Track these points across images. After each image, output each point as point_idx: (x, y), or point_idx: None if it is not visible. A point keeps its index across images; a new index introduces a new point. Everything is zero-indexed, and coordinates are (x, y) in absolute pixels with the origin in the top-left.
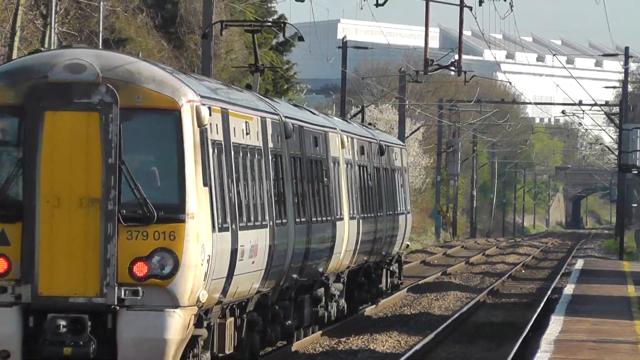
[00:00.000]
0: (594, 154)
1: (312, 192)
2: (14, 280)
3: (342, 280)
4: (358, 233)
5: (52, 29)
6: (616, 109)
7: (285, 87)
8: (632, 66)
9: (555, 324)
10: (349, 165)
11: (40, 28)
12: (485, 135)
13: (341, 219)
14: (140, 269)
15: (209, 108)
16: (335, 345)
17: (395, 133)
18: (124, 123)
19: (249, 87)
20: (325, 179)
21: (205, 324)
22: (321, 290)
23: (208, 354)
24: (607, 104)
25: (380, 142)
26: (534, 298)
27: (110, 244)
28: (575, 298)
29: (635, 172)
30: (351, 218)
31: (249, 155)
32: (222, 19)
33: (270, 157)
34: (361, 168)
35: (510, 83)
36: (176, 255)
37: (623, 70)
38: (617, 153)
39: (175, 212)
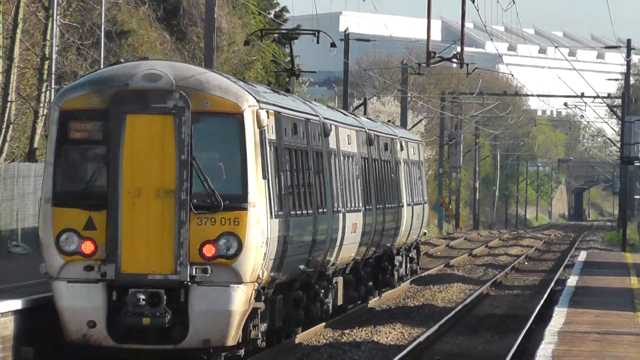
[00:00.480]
0: (596, 146)
1: (346, 184)
2: (100, 260)
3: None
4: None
5: (55, 21)
6: (618, 101)
7: (288, 79)
8: (635, 58)
9: (559, 316)
10: (377, 161)
11: (43, 20)
12: (487, 127)
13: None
14: (209, 250)
15: (267, 112)
16: (339, 337)
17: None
18: (194, 125)
19: (288, 91)
20: (356, 171)
21: (262, 298)
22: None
23: (265, 325)
24: (609, 96)
25: (401, 138)
26: (537, 290)
27: (183, 229)
28: (579, 290)
29: (638, 164)
30: (411, 204)
31: (296, 152)
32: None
33: (312, 153)
34: (386, 163)
35: (512, 75)
36: (240, 238)
37: (625, 62)
38: (619, 145)
39: (238, 201)
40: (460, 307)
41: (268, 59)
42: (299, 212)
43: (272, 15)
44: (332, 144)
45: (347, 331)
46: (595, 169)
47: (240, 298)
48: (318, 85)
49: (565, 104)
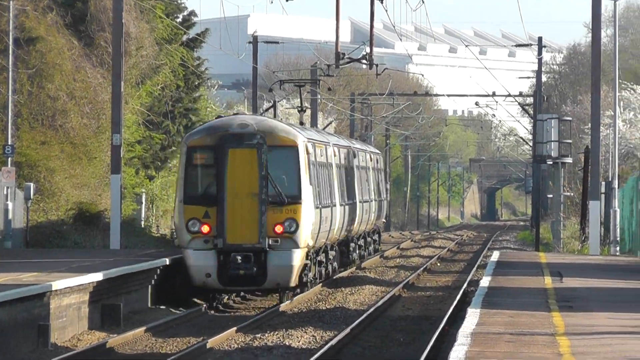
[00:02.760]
0: (508, 145)
1: (348, 184)
2: (213, 236)
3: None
4: (369, 211)
5: None
6: (530, 100)
7: (197, 83)
8: (546, 56)
9: (472, 317)
10: (360, 169)
11: None
12: (398, 128)
13: (366, 201)
14: (279, 229)
15: (312, 144)
16: (250, 342)
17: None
18: (269, 154)
19: (301, 124)
20: (356, 177)
21: (309, 258)
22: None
23: (310, 274)
24: (521, 94)
25: (358, 149)
26: (450, 291)
27: (263, 216)
28: (492, 290)
29: (550, 162)
30: (366, 201)
31: (323, 167)
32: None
33: (335, 168)
34: (357, 169)
35: (422, 75)
36: (297, 221)
37: (537, 60)
38: (531, 144)
39: (296, 199)
40: (372, 309)
41: (176, 63)
42: (326, 205)
43: (180, 19)
44: (336, 160)
45: (259, 335)
46: (507, 168)
47: (298, 257)
48: (227, 88)
49: (477, 103)
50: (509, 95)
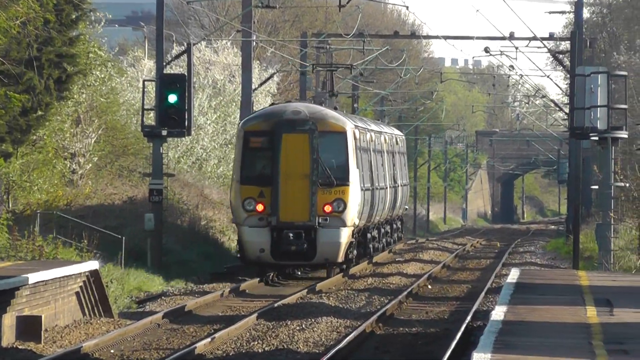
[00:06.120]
0: (532, 111)
1: (386, 166)
2: (267, 214)
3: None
4: (394, 197)
5: None
6: (566, 45)
7: (74, 16)
8: None
9: None
10: (388, 153)
11: None
12: (370, 85)
13: (398, 186)
14: (328, 208)
15: (358, 130)
16: None
17: (238, 82)
18: (320, 138)
19: (335, 109)
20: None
21: (355, 235)
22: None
23: (355, 251)
24: (552, 37)
25: (394, 135)
26: (447, 327)
27: (314, 196)
28: (509, 326)
29: (596, 138)
30: (402, 185)
31: (368, 152)
32: None
33: (377, 152)
34: (387, 154)
35: (407, 9)
36: (345, 201)
37: None
38: (567, 111)
39: (344, 180)
40: (331, 352)
41: None
42: (369, 187)
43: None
44: (372, 145)
45: None
46: (531, 145)
47: (345, 235)
48: (119, 24)
49: (487, 50)
50: (534, 37)
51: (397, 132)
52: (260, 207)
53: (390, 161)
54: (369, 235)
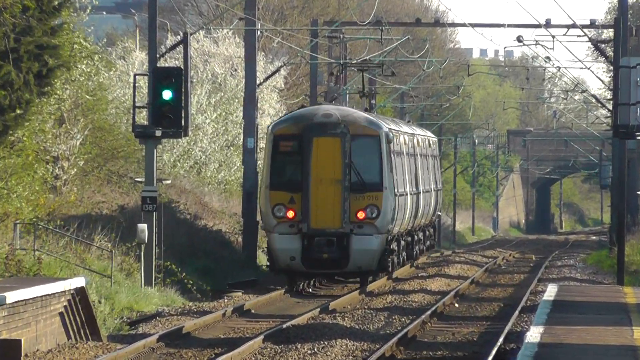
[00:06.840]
0: (571, 108)
1: (414, 173)
2: (298, 221)
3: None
4: (429, 202)
5: None
6: (609, 33)
7: (56, 3)
8: None
9: None
10: (422, 157)
11: None
12: (389, 79)
13: (427, 191)
14: (361, 215)
15: (392, 133)
16: None
17: (241, 76)
18: (352, 142)
19: (366, 110)
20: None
21: (388, 243)
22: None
23: (391, 258)
24: (593, 24)
25: (427, 137)
26: (476, 350)
27: (346, 202)
28: (545, 349)
29: None
30: (427, 191)
31: (401, 155)
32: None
33: (410, 156)
34: (421, 157)
35: None
36: (378, 207)
37: None
38: (610, 107)
39: (378, 186)
40: None
41: None
42: (403, 192)
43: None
44: (405, 148)
45: None
46: (570, 146)
47: (379, 242)
48: (107, 12)
49: (519, 39)
50: (573, 25)
51: (429, 134)
52: (290, 214)
53: (424, 165)
54: (409, 240)
